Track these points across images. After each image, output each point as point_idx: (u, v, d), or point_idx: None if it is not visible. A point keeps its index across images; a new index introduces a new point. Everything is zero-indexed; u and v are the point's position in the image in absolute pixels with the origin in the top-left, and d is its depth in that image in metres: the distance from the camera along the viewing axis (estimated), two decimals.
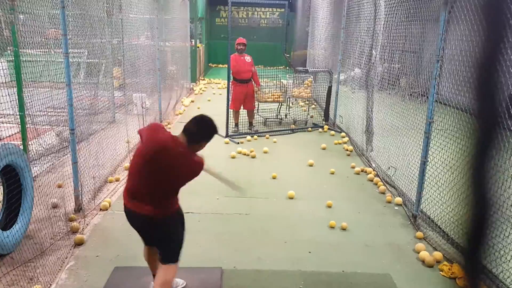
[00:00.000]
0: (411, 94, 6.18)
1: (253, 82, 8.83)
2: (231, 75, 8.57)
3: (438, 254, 4.18)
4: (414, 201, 5.03)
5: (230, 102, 8.60)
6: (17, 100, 4.76)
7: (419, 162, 4.93)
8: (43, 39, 5.28)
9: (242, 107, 8.79)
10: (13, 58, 4.73)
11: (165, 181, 2.90)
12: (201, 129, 2.97)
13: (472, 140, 0.72)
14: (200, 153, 3.11)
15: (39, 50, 5.40)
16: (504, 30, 0.69)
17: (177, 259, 3.10)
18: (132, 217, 3.02)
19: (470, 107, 0.73)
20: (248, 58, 8.70)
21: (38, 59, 5.34)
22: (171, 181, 2.93)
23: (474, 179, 0.73)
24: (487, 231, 0.74)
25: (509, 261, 3.60)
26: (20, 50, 4.75)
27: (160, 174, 2.86)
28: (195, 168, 2.94)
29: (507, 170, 3.72)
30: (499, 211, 3.67)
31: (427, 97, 4.81)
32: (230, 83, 8.61)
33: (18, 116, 4.85)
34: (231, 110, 8.67)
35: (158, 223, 2.98)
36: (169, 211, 3.03)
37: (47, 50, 5.63)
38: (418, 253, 4.27)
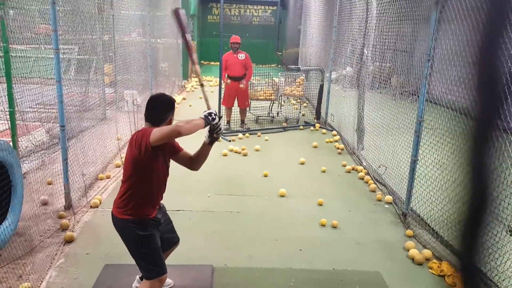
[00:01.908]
0: (402, 93, 6.22)
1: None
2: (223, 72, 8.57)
3: (427, 252, 4.22)
4: (404, 199, 5.08)
5: (222, 99, 8.59)
6: (6, 96, 4.71)
7: (409, 161, 4.97)
8: (33, 35, 5.23)
9: (236, 104, 8.79)
10: (3, 54, 4.67)
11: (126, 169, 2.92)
12: (155, 108, 2.94)
13: (470, 136, 0.73)
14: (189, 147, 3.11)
15: (29, 46, 5.34)
16: (504, 26, 0.70)
17: (151, 277, 2.92)
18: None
19: (469, 103, 0.73)
20: (242, 56, 8.67)
21: (28, 55, 5.28)
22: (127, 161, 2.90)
23: (473, 174, 0.74)
24: (482, 231, 0.74)
25: (497, 259, 3.64)
26: (10, 45, 4.69)
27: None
28: (141, 133, 2.80)
29: (496, 169, 3.76)
30: (488, 209, 3.72)
31: (418, 96, 4.85)
32: (223, 80, 8.60)
33: (8, 113, 4.80)
34: (223, 108, 8.67)
35: (115, 224, 2.96)
36: (127, 213, 2.87)
37: (38, 46, 5.57)
38: (408, 251, 4.31)
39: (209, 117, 2.94)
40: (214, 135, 3.04)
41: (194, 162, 3.16)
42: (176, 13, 3.28)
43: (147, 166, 2.83)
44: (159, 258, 2.95)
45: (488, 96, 0.72)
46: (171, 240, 3.28)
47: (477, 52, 0.72)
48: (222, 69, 8.50)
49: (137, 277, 3.38)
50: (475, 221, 0.74)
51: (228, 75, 8.64)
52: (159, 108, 2.95)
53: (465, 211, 0.75)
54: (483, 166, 0.72)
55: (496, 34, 0.70)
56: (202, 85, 3.30)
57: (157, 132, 2.68)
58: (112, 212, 2.96)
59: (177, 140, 3.08)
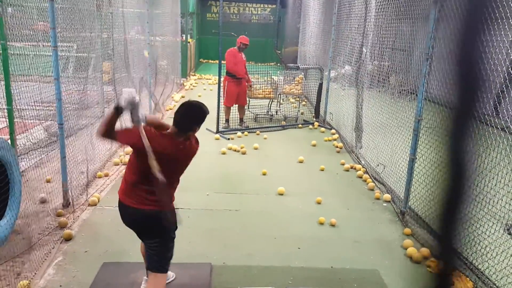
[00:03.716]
0: (400, 92, 6.23)
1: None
2: (225, 70, 8.52)
3: (425, 250, 4.23)
4: (402, 198, 5.08)
5: (224, 99, 8.57)
6: (4, 94, 4.70)
7: (408, 159, 4.98)
8: (31, 32, 5.22)
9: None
10: (1, 51, 4.66)
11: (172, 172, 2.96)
12: (189, 116, 2.92)
13: (449, 126, 0.75)
14: None
15: (27, 43, 5.33)
16: (482, 24, 0.71)
17: (167, 269, 3.03)
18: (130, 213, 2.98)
19: (450, 96, 0.76)
20: (244, 56, 8.73)
21: (26, 53, 5.27)
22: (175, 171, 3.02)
23: (451, 161, 0.76)
24: (460, 214, 0.77)
25: (495, 257, 3.65)
26: (8, 43, 4.67)
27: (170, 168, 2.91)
28: (191, 151, 2.99)
29: (494, 168, 3.78)
30: (486, 208, 3.73)
31: (416, 94, 4.85)
32: (224, 79, 8.56)
33: (6, 110, 4.79)
34: (223, 106, 8.65)
35: (153, 218, 2.94)
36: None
37: (36, 43, 5.55)
38: (406, 249, 4.32)
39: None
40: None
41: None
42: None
43: None
44: None
45: (467, 89, 0.75)
46: None
47: (456, 47, 0.74)
48: (231, 63, 8.47)
49: (144, 277, 3.37)
50: (453, 206, 0.77)
51: (229, 74, 8.57)
52: (194, 117, 2.94)
53: (443, 196, 0.78)
54: (461, 154, 0.74)
55: (474, 29, 0.71)
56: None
57: None
58: (142, 209, 2.87)
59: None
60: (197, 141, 3.05)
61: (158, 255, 2.99)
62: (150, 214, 2.89)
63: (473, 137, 0.74)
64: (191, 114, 2.93)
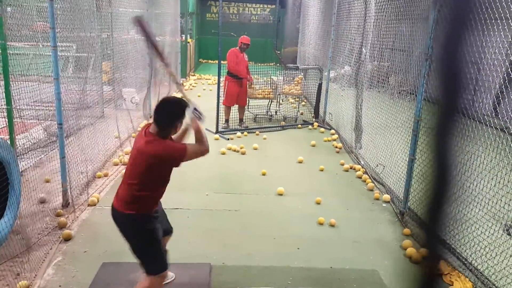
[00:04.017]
0: (400, 92, 6.23)
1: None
2: (226, 69, 8.51)
3: (424, 251, 4.23)
4: (402, 198, 5.09)
5: (223, 98, 8.56)
6: (4, 94, 4.70)
7: (407, 160, 4.98)
8: (31, 32, 5.22)
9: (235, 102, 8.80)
10: (1, 51, 4.66)
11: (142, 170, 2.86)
12: (166, 112, 2.89)
13: (435, 121, 0.77)
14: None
15: (27, 43, 5.33)
16: (469, 19, 0.72)
17: (153, 273, 2.92)
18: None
19: (434, 93, 0.78)
20: (246, 56, 8.73)
21: (26, 52, 5.27)
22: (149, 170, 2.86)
23: (436, 155, 0.78)
24: (446, 206, 0.79)
25: (494, 258, 3.66)
26: (7, 43, 4.68)
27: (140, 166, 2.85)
28: (168, 151, 2.85)
29: (493, 168, 3.78)
30: (485, 208, 3.74)
31: (416, 95, 4.86)
32: (225, 78, 8.56)
33: (5, 110, 4.79)
34: (223, 106, 8.65)
35: (118, 219, 2.93)
36: (134, 209, 2.88)
37: (35, 43, 5.56)
38: (405, 249, 4.32)
39: (197, 112, 3.04)
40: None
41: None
42: (139, 22, 3.19)
43: (165, 175, 2.94)
44: (162, 252, 2.99)
45: (451, 89, 0.77)
46: (167, 230, 3.30)
47: (441, 47, 0.75)
48: (232, 63, 8.47)
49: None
50: (439, 199, 0.79)
51: (231, 74, 8.56)
52: (173, 113, 2.91)
53: (429, 189, 0.80)
54: (447, 149, 0.76)
55: (459, 29, 0.72)
56: (179, 83, 3.35)
57: (193, 154, 2.90)
58: (114, 207, 2.90)
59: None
60: (169, 147, 2.87)
61: (140, 258, 2.93)
62: (125, 217, 2.88)
63: (457, 133, 0.76)
64: (170, 110, 2.91)
